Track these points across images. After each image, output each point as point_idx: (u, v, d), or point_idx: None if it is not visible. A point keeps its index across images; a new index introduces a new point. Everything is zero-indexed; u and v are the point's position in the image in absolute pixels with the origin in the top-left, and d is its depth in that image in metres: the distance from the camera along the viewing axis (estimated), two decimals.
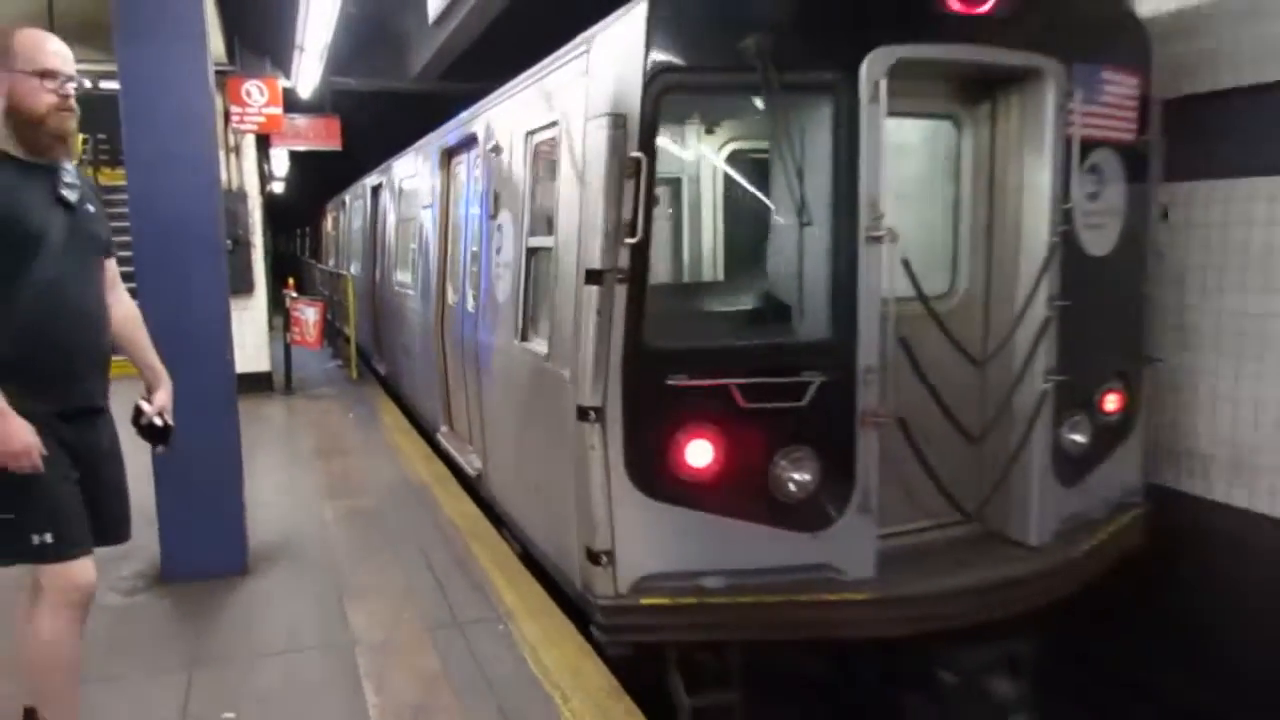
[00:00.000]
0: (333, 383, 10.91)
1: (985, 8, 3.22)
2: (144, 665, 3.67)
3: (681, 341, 3.26)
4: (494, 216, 4.68)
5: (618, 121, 3.05)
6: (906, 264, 3.25)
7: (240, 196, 9.58)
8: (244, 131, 9.42)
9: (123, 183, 4.56)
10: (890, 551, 3.39)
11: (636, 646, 3.34)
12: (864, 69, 3.10)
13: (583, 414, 3.18)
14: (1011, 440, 3.59)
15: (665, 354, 3.17)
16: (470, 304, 5.22)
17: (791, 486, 3.22)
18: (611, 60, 3.20)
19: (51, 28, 7.96)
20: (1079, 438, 3.75)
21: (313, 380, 10.91)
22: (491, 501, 5.13)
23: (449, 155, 5.96)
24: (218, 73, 8.83)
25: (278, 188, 19.94)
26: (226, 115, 9.16)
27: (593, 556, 3.29)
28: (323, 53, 7.78)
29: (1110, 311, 3.79)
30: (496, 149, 4.64)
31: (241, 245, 9.46)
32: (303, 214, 25.32)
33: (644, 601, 3.25)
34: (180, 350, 4.29)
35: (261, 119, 9.26)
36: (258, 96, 9.20)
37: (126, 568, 4.63)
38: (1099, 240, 3.71)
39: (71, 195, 2.70)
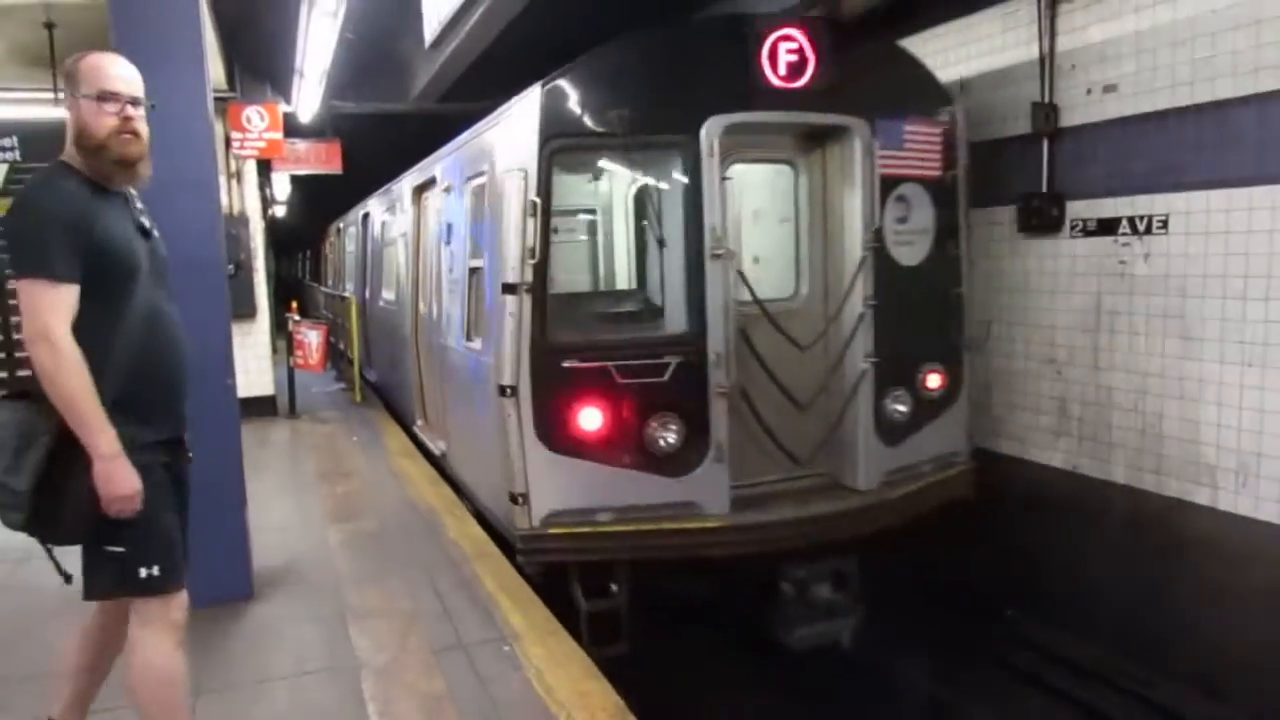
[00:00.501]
0: (336, 406, 10.94)
1: (801, 82, 4.41)
2: None
3: (574, 336, 4.44)
4: (448, 243, 5.85)
5: (523, 174, 4.21)
6: (741, 274, 4.48)
7: (242, 221, 9.64)
8: (245, 157, 9.49)
9: None
10: (747, 495, 4.54)
11: (547, 566, 4.45)
12: (703, 132, 4.31)
13: (502, 391, 4.35)
14: (838, 408, 4.77)
15: (561, 345, 4.32)
16: (435, 314, 6.31)
17: (661, 443, 4.36)
18: (518, 129, 4.38)
19: (53, 59, 8.05)
20: (900, 408, 4.93)
21: (317, 403, 10.93)
22: (453, 475, 6.24)
23: (418, 191, 7.21)
24: (219, 99, 8.92)
25: (280, 212, 20.05)
26: (228, 141, 9.23)
27: (513, 499, 4.43)
28: (322, 77, 7.84)
29: (924, 308, 4.95)
30: (448, 189, 5.89)
31: (244, 269, 9.51)
32: (305, 237, 25.43)
33: (551, 531, 4.40)
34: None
35: (262, 144, 9.33)
36: (258, 122, 9.28)
37: None
38: (910, 253, 4.90)
39: (146, 222, 2.73)
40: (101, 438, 2.42)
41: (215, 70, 8.53)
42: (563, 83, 4.28)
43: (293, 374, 10.30)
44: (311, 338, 10.42)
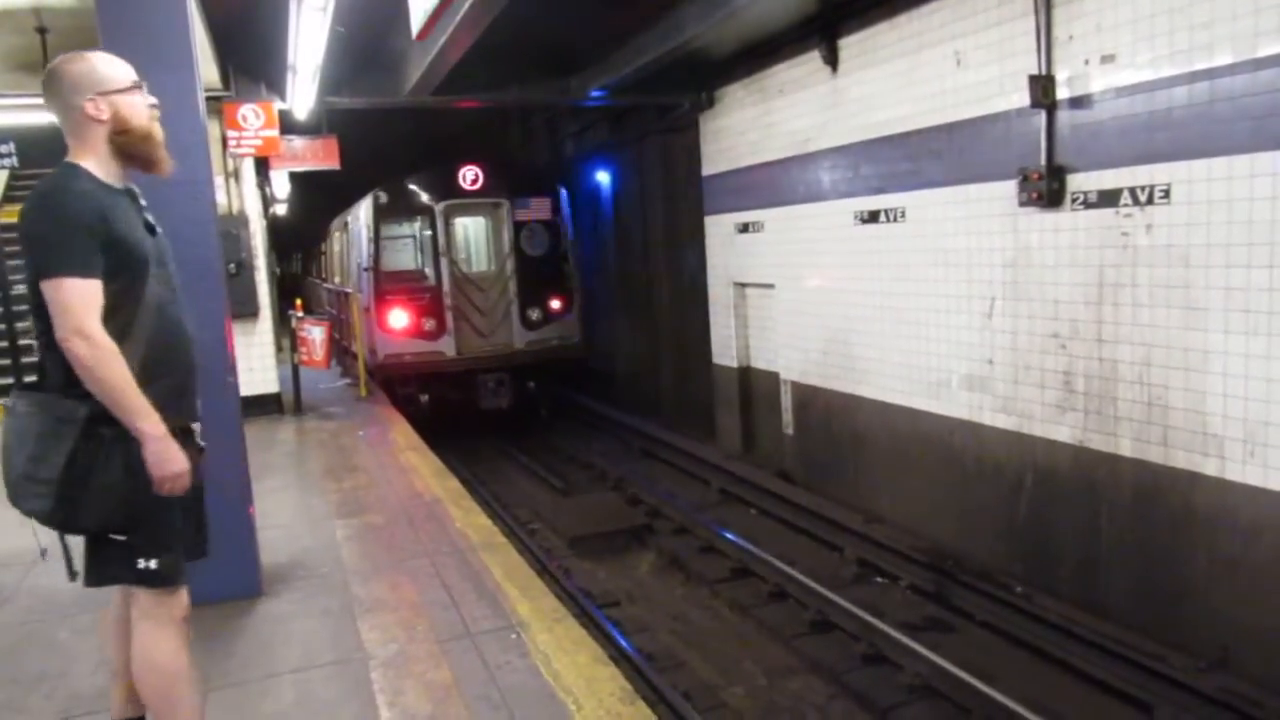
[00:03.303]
0: (342, 402, 10.98)
1: (476, 187, 12.04)
2: None
3: (396, 285, 11.77)
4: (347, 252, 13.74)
5: (367, 225, 11.90)
6: (457, 263, 11.96)
7: (241, 221, 9.65)
8: (242, 155, 9.49)
9: None
10: (470, 349, 11.82)
11: (384, 379, 11.70)
12: (437, 209, 11.90)
13: (366, 310, 11.83)
14: (505, 313, 12.03)
15: (387, 289, 11.74)
16: (351, 281, 13.32)
17: (427, 327, 11.66)
18: (365, 207, 12.08)
19: (45, 64, 8.05)
20: (534, 314, 12.06)
21: (322, 400, 10.98)
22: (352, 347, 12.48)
23: (344, 222, 14.62)
24: (214, 99, 8.91)
25: (280, 210, 20.07)
26: (224, 141, 9.23)
27: (371, 351, 11.79)
28: (315, 73, 7.82)
29: (544, 274, 12.15)
30: (328, 231, 16.93)
31: (245, 269, 9.53)
32: (307, 235, 25.43)
33: (386, 362, 11.63)
34: None
35: (258, 142, 9.33)
36: (254, 120, 9.27)
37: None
38: (535, 250, 12.21)
39: (151, 219, 2.79)
40: (148, 421, 2.49)
41: (209, 71, 8.53)
42: (382, 191, 11.84)
43: (297, 371, 10.35)
44: (315, 334, 10.46)
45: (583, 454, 11.24)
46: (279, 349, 12.02)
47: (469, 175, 12.14)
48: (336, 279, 16.16)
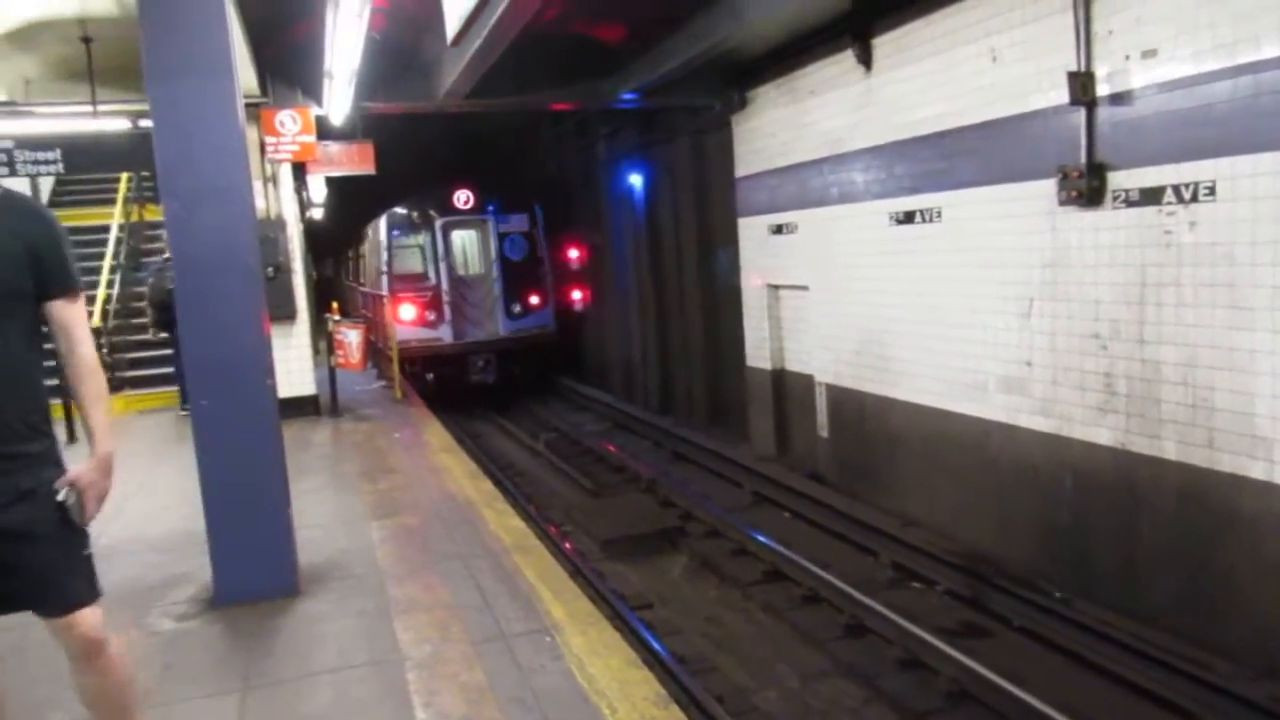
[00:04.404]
0: (378, 404, 11.08)
1: (468, 206, 15.00)
2: (196, 689, 3.76)
3: (405, 285, 14.63)
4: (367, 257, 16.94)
5: (383, 239, 14.85)
6: (453, 266, 14.73)
7: (279, 225, 9.78)
8: (279, 160, 9.62)
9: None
10: (464, 335, 14.64)
11: (404, 361, 12.71)
12: (437, 223, 14.81)
13: (384, 299, 14.38)
14: (491, 307, 14.89)
15: (399, 288, 14.49)
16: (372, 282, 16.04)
17: (429, 318, 14.45)
18: (380, 226, 15.04)
19: (91, 73, 8.20)
20: (517, 307, 14.92)
21: (358, 402, 11.09)
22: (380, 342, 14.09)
23: (362, 233, 17.78)
24: (251, 105, 9.05)
25: (317, 214, 20.32)
26: (262, 147, 9.37)
27: (387, 340, 13.02)
28: (351, 78, 7.90)
29: (524, 275, 15.10)
30: (362, 237, 17.80)
31: (282, 272, 9.65)
32: (343, 238, 25.69)
33: (403, 346, 12.96)
34: (221, 377, 4.44)
35: (295, 147, 9.45)
36: (291, 126, 9.39)
37: (180, 593, 4.76)
38: (516, 255, 15.04)
39: None
40: (111, 436, 2.62)
41: (247, 77, 8.66)
42: (396, 209, 14.97)
43: (334, 373, 10.45)
44: (351, 337, 10.57)
45: (613, 456, 11.26)
46: (316, 351, 12.17)
47: (462, 196, 15.14)
48: (369, 283, 17.43)
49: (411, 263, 14.93)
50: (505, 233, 15.21)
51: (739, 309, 10.71)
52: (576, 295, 16.70)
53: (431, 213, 14.91)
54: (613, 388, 15.30)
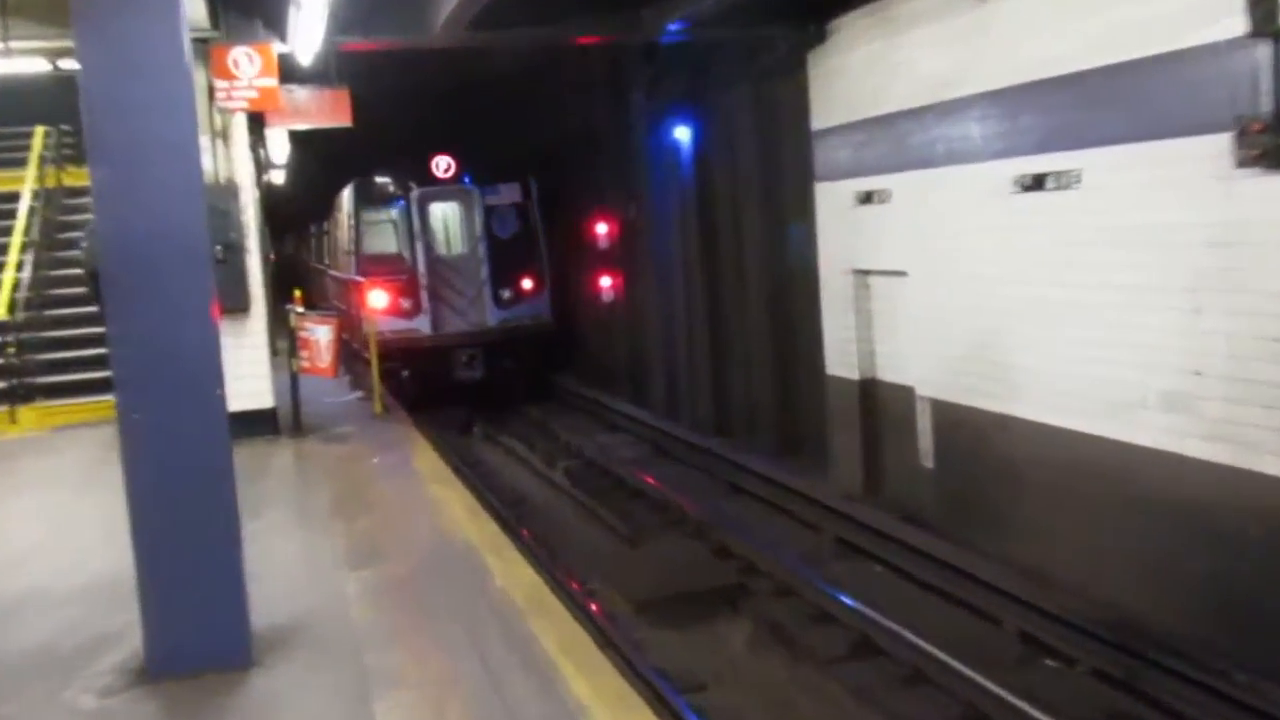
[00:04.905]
0: (353, 420, 11.15)
1: (448, 176, 16.85)
2: None
3: (376, 268, 16.50)
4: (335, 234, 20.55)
5: (349, 213, 17.40)
6: (432, 245, 16.70)
7: (230, 192, 9.87)
8: (232, 110, 9.71)
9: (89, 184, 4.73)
10: (445, 327, 16.50)
11: (383, 354, 13.64)
12: (412, 194, 16.68)
13: (355, 285, 17.16)
14: (478, 293, 16.78)
15: (368, 270, 16.47)
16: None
17: (404, 307, 16.15)
18: (346, 197, 17.71)
19: (4, 7, 8.32)
20: (506, 293, 16.65)
21: (328, 418, 11.18)
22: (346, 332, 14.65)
23: (331, 205, 20.37)
24: (198, 40, 9.10)
25: (277, 178, 20.51)
26: (211, 92, 9.45)
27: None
28: (324, 8, 7.96)
29: (515, 255, 16.86)
30: (332, 209, 20.17)
31: (234, 252, 9.74)
32: (309, 210, 25.95)
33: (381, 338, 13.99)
34: (160, 386, 4.45)
35: (253, 94, 9.52)
36: (247, 67, 9.47)
37: (105, 661, 4.78)
38: (505, 231, 16.98)
39: None
40: None
41: (193, 4, 8.74)
42: (365, 177, 17.28)
43: (297, 381, 10.55)
44: (320, 335, 10.64)
45: (653, 490, 11.23)
46: (274, 353, 12.27)
47: (442, 163, 16.31)
48: (339, 266, 18.80)
49: (383, 241, 16.45)
50: (493, 206, 16.68)
51: (815, 301, 10.65)
52: (605, 282, 16.74)
53: (408, 182, 16.30)
54: (652, 401, 15.31)
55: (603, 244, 16.70)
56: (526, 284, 16.63)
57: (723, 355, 13.29)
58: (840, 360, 10.39)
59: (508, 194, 16.78)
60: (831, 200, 10.24)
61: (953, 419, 8.76)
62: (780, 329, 11.87)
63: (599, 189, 16.51)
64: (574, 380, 18.17)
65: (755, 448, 12.10)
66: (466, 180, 16.69)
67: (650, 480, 11.58)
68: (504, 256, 16.49)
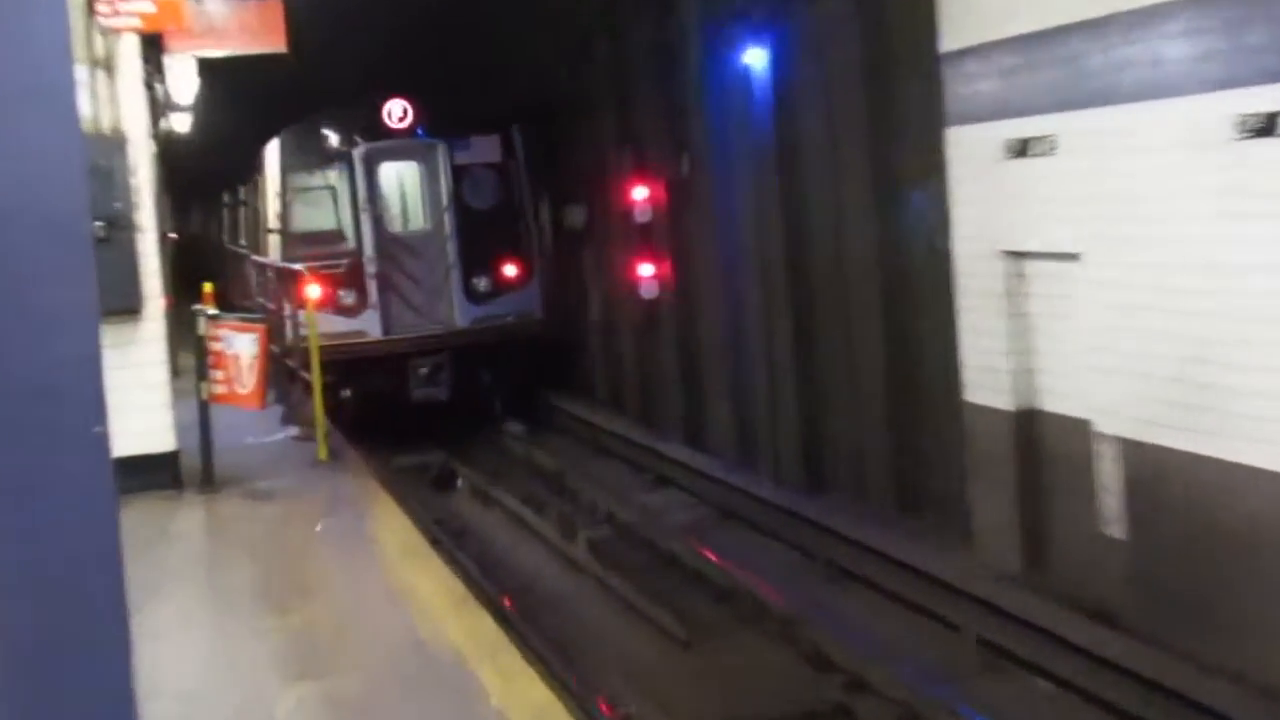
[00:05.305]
0: (287, 467, 11.18)
1: (404, 126, 18.05)
2: None
3: (309, 250, 17.84)
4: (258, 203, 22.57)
5: (276, 176, 19.03)
6: (383, 219, 18.33)
7: (115, 145, 9.90)
8: (119, 29, 9.75)
9: None
10: (399, 327, 18.10)
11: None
12: (356, 151, 18.17)
13: (284, 275, 19.10)
14: (444, 282, 18.61)
15: (301, 252, 17.79)
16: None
17: (345, 301, 17.43)
18: (272, 154, 19.13)
19: None
20: (483, 283, 18.25)
21: (252, 465, 11.20)
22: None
23: (252, 165, 21.85)
24: None
25: (181, 125, 20.72)
26: (91, 5, 9.51)
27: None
28: None
29: (494, 232, 18.45)
30: (255, 170, 21.43)
31: (120, 229, 9.78)
32: (224, 172, 26.03)
33: (290, 344, 17.73)
34: (14, 424, 4.45)
35: (148, 7, 9.57)
36: None
37: None
38: (481, 200, 18.68)
39: None
40: None
41: None
42: (294, 127, 18.99)
43: (209, 414, 10.57)
44: (240, 348, 10.65)
45: (717, 570, 11.18)
46: (176, 373, 12.33)
47: (397, 109, 16.83)
48: (263, 248, 19.50)
49: (319, 214, 17.42)
50: (465, 166, 17.67)
51: (948, 298, 10.54)
52: (644, 271, 16.54)
53: (353, 134, 17.04)
54: (714, 442, 15.28)
55: (639, 216, 16.50)
56: (509, 270, 17.66)
57: (815, 376, 13.23)
58: (985, 383, 10.28)
59: (484, 150, 17.73)
60: (970, 152, 10.16)
61: (1154, 468, 8.66)
62: (897, 338, 11.81)
63: (631, 140, 16.46)
64: (598, 407, 18.18)
65: (863, 509, 12.03)
66: (423, 133, 17.41)
67: (712, 556, 11.56)
68: (479, 233, 17.37)
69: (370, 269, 16.55)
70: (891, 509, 11.84)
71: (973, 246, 10.31)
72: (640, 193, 16.40)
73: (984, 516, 10.45)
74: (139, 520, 6.55)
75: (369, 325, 16.48)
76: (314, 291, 15.51)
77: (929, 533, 11.05)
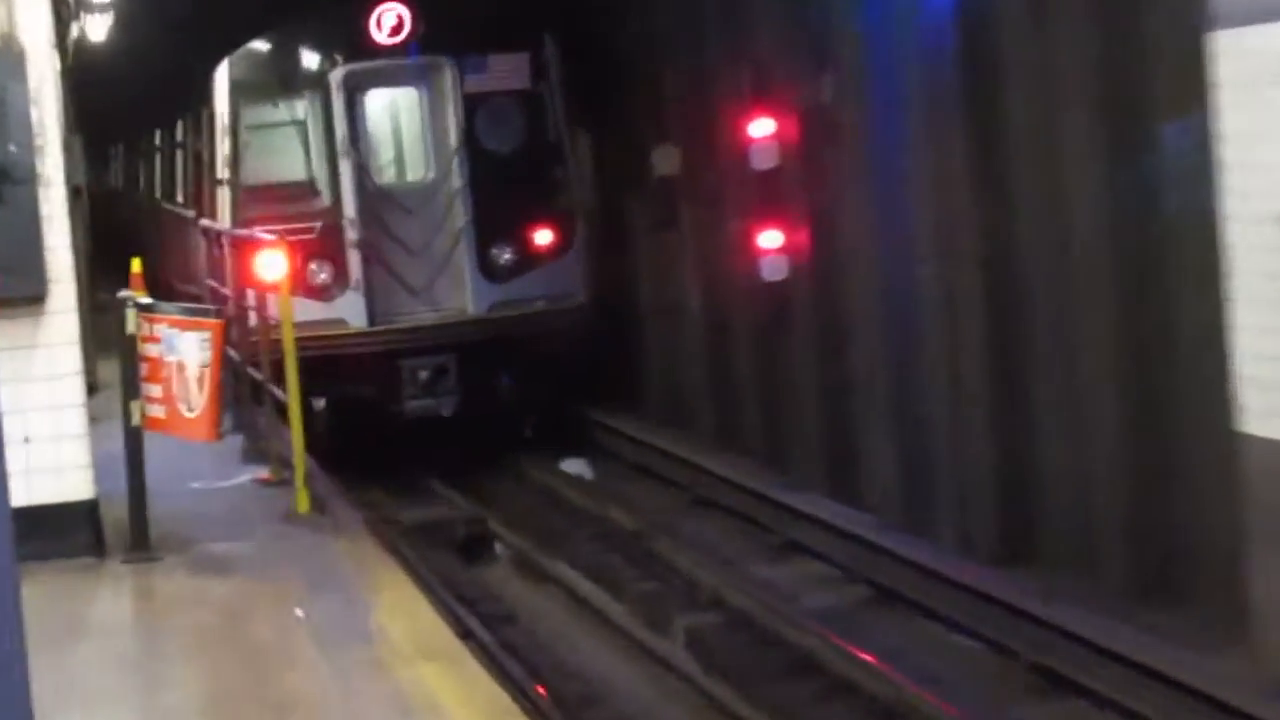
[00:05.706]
0: (252, 524, 11.22)
1: (398, 40, 19.37)
2: None
3: (260, 209, 19.67)
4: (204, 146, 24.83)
5: (226, 111, 20.89)
6: (368, 168, 19.84)
7: (7, 61, 9.96)
8: None
9: None
10: (391, 315, 19.95)
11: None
12: (333, 76, 19.73)
13: (234, 243, 19.60)
14: (450, 254, 20.47)
15: (259, 213, 19.30)
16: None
17: (318, 279, 19.33)
18: (220, 80, 21.00)
19: None
20: (506, 255, 19.78)
21: (202, 520, 11.27)
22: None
23: (194, 95, 23.81)
24: None
25: (97, 34, 20.97)
26: None
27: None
28: None
29: (521, 185, 19.87)
30: (201, 101, 23.09)
31: (14, 182, 9.81)
32: (158, 103, 26.46)
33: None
34: None
35: None
36: None
37: None
38: (502, 142, 20.25)
39: None
40: None
41: None
42: (251, 46, 20.96)
43: (140, 446, 10.59)
44: (186, 353, 10.66)
45: (873, 676, 11.08)
46: (93, 389, 12.37)
47: (389, 17, 16.96)
48: (209, 207, 20.11)
49: (282, 161, 17.96)
50: (480, 95, 18.16)
51: (1213, 282, 10.39)
52: (766, 241, 16.35)
53: (330, 52, 17.61)
54: (871, 495, 15.24)
55: (759, 161, 16.23)
56: (541, 237, 18.42)
57: (1019, 400, 13.20)
58: (1275, 406, 10.13)
59: (506, 73, 18.33)
60: (1247, 68, 10.03)
61: None
62: (1137, 341, 11.74)
63: (746, 52, 16.41)
64: (693, 437, 18.15)
65: (1087, 590, 11.93)
66: (422, 50, 17.64)
67: (870, 659, 11.48)
68: (500, 187, 17.76)
69: (351, 235, 17.15)
70: (1125, 589, 11.72)
71: (1253, 206, 10.15)
72: (761, 127, 16.07)
73: (1270, 599, 10.30)
74: (42, 604, 6.47)
75: (349, 312, 17.11)
76: (272, 266, 14.42)
77: (1183, 624, 10.91)
